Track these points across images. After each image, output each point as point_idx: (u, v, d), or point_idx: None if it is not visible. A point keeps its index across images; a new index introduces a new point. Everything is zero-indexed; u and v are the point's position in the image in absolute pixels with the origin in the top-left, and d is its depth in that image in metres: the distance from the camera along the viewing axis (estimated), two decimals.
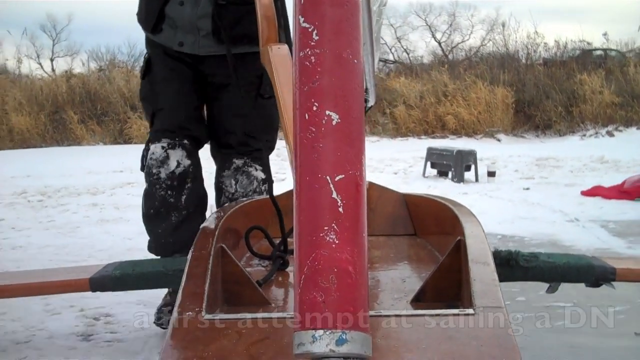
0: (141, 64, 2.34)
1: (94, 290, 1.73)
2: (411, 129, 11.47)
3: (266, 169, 2.21)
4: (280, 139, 2.08)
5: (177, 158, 2.10)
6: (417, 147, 7.53)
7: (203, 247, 1.33)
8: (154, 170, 2.11)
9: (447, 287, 1.29)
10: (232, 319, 1.07)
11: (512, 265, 1.66)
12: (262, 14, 1.84)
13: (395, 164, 7.82)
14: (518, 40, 14.96)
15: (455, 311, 1.07)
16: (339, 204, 0.72)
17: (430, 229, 1.86)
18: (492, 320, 1.02)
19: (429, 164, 6.77)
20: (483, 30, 20.21)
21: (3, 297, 2.11)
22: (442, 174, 6.62)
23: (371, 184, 1.99)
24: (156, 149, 2.11)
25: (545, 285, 1.82)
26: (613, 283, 1.77)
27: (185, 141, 2.14)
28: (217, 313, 1.11)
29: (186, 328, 1.04)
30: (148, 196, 2.15)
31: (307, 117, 0.75)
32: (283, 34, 2.00)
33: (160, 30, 2.15)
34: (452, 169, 6.46)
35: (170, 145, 2.11)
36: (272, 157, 2.35)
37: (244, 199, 2.03)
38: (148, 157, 2.14)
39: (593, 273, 1.72)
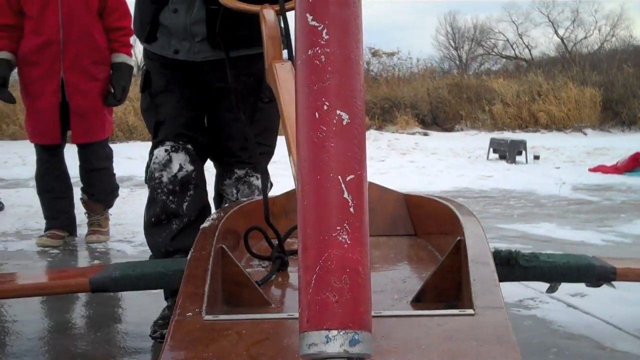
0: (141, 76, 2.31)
1: (93, 291, 1.72)
2: (507, 124, 13.17)
3: (265, 178, 2.16)
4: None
5: (179, 161, 2.07)
6: None
7: (203, 248, 1.33)
8: (156, 174, 2.07)
9: (447, 287, 1.29)
10: (232, 320, 1.07)
11: (512, 265, 1.66)
12: (267, 34, 1.81)
13: (475, 151, 9.54)
14: (614, 41, 15.99)
15: (455, 311, 1.07)
16: (350, 204, 0.72)
17: (430, 229, 1.86)
18: (492, 320, 1.02)
19: (491, 150, 8.92)
20: (607, 26, 20.70)
21: (3, 298, 2.12)
22: (502, 157, 8.66)
23: (371, 184, 1.98)
24: (159, 152, 2.09)
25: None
26: (613, 282, 1.77)
27: (189, 146, 2.11)
28: (217, 314, 1.11)
29: (186, 329, 1.03)
30: (150, 203, 2.11)
31: (317, 116, 0.74)
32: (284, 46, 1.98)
33: (155, 39, 2.13)
34: (507, 154, 8.49)
35: (174, 148, 2.08)
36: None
37: (244, 199, 2.03)
38: (151, 162, 2.11)
39: (593, 273, 1.71)
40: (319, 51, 0.75)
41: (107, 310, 2.38)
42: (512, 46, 22.32)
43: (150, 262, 1.94)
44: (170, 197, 2.06)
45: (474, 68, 21.52)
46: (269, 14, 1.85)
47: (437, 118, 13.70)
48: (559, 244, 3.55)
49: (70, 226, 3.66)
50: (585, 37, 21.32)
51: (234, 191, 2.16)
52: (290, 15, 1.92)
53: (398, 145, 10.63)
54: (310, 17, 0.76)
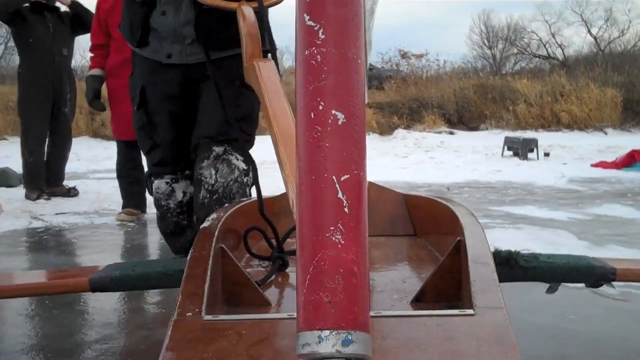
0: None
1: (94, 290, 1.72)
2: (530, 123, 13.59)
3: (248, 161, 2.09)
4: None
5: (182, 189, 2.18)
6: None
7: (203, 248, 1.33)
8: (163, 202, 2.19)
9: (447, 287, 1.29)
10: (232, 320, 1.07)
11: (512, 265, 1.66)
12: (246, 32, 1.81)
13: (493, 149, 10.09)
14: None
15: (455, 311, 1.07)
16: (344, 204, 0.72)
17: (430, 229, 1.86)
18: (492, 320, 1.02)
19: (506, 147, 9.59)
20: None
21: (3, 297, 2.11)
22: (515, 154, 9.30)
23: (371, 184, 1.98)
24: (160, 184, 2.19)
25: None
26: (613, 283, 1.77)
27: (187, 172, 2.19)
28: (217, 314, 1.11)
29: (186, 328, 1.03)
30: (162, 220, 2.24)
31: (312, 116, 0.74)
32: (267, 45, 1.96)
33: (147, 43, 2.12)
34: (520, 151, 9.16)
35: (174, 180, 2.19)
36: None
37: (244, 199, 2.02)
38: (154, 190, 2.21)
39: (593, 273, 1.71)
40: (315, 51, 0.75)
41: (106, 309, 2.38)
42: (544, 45, 22.40)
43: (150, 262, 1.95)
44: (181, 217, 2.20)
45: (507, 67, 21.58)
46: (247, 10, 1.85)
47: (462, 117, 14.13)
48: (531, 220, 4.07)
49: (142, 205, 4.66)
50: (619, 37, 21.38)
51: (213, 172, 2.04)
52: (275, 13, 1.93)
53: (424, 143, 11.01)
54: (307, 17, 0.76)
